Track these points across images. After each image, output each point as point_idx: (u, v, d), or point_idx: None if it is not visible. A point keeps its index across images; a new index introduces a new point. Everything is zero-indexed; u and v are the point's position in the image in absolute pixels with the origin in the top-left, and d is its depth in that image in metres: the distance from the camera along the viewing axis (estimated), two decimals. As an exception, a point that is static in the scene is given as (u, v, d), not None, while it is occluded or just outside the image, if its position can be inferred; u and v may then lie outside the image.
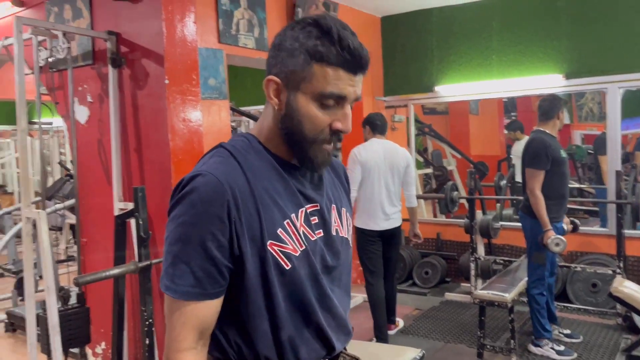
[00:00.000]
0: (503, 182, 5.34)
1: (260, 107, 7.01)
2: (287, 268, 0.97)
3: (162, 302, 3.01)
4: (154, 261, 2.48)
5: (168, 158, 2.96)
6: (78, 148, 3.30)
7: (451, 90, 5.01)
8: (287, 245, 0.98)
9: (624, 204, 3.90)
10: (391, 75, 5.34)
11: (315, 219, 1.04)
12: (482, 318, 3.33)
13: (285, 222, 0.98)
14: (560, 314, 4.04)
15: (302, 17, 1.02)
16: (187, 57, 3.07)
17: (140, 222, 2.41)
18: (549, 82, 4.49)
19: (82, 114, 3.34)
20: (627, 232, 4.03)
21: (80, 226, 3.34)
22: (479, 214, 4.73)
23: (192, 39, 3.09)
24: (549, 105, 3.38)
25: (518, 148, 5.71)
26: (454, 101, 5.79)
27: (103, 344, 3.34)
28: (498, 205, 5.40)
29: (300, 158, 1.02)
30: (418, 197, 5.59)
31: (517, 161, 5.74)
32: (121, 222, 2.61)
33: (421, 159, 6.72)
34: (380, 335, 3.54)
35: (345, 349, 1.14)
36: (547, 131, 3.39)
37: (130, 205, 3.05)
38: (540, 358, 3.34)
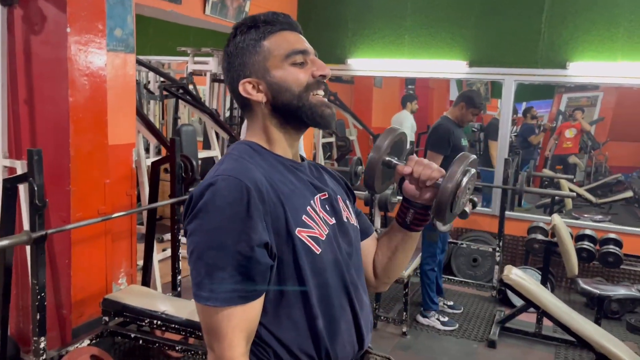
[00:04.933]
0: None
1: (162, 58, 6.65)
2: (318, 253, 0.98)
3: (52, 273, 2.78)
4: (49, 231, 2.26)
5: (66, 115, 2.67)
6: (-48, 92, 2.85)
7: (363, 64, 5.06)
8: (314, 230, 0.99)
9: (508, 189, 4.29)
10: (304, 42, 5.25)
11: (327, 207, 1.07)
12: (379, 291, 3.51)
13: (307, 209, 1.00)
14: (445, 285, 4.40)
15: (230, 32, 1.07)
16: (92, 3, 2.75)
17: (36, 189, 2.17)
18: (454, 67, 4.71)
19: (-42, 53, 2.89)
20: (507, 213, 4.44)
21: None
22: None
23: (100, -17, 2.77)
24: (461, 95, 3.56)
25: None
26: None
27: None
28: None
29: (308, 117, 1.04)
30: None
31: None
32: (11, 186, 2.33)
33: (325, 128, 6.77)
34: None
35: (370, 347, 1.13)
36: (451, 118, 3.58)
37: (17, 164, 2.73)
38: (427, 328, 3.63)
